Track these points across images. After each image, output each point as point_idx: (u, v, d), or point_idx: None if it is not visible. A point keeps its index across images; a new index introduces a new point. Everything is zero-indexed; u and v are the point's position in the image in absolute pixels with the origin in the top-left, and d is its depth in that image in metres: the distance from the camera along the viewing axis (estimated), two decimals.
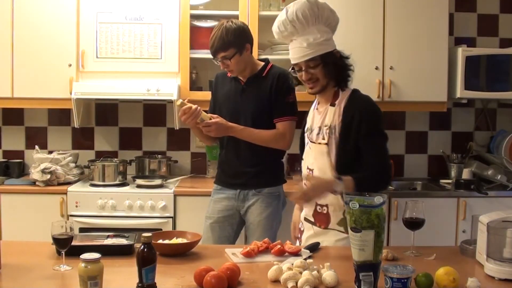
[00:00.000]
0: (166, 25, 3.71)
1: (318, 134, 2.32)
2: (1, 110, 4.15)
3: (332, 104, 2.30)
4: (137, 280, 1.67)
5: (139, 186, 3.63)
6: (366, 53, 3.67)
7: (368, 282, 1.63)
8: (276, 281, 1.78)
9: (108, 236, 2.18)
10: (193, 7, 3.74)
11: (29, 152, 4.01)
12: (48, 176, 3.54)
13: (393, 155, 4.00)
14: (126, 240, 2.14)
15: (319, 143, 2.29)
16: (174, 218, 3.49)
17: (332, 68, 2.26)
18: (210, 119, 2.80)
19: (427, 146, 4.20)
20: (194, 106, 2.73)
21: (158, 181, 3.65)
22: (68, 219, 3.42)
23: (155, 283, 1.68)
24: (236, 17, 3.56)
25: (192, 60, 3.76)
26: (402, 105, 3.81)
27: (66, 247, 1.91)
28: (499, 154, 3.94)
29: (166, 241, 2.13)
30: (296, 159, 2.56)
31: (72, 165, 3.80)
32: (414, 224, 2.13)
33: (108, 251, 1.94)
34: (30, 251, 2.12)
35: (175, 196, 3.51)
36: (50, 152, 3.83)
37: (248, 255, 2.05)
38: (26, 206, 3.51)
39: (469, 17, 4.14)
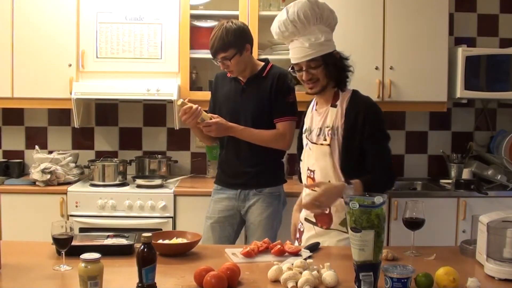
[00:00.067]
0: (166, 25, 3.71)
1: (318, 135, 2.31)
2: (1, 110, 4.15)
3: (333, 105, 2.30)
4: (137, 280, 1.67)
5: (139, 186, 3.63)
6: (366, 53, 3.67)
7: (368, 282, 1.63)
8: (276, 281, 1.78)
9: (108, 236, 2.18)
10: (193, 7, 3.74)
11: (29, 152, 4.01)
12: (48, 176, 3.54)
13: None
14: (126, 240, 2.14)
15: (321, 144, 2.28)
16: (174, 218, 3.49)
17: (333, 69, 2.26)
18: (211, 119, 2.80)
19: (427, 146, 4.20)
20: (194, 106, 2.73)
21: (158, 181, 3.65)
22: (68, 219, 3.42)
23: (155, 283, 1.68)
24: (236, 17, 3.56)
25: (192, 60, 3.76)
26: (402, 105, 3.81)
27: (66, 247, 1.91)
28: (499, 154, 3.94)
29: (166, 241, 2.12)
30: (296, 159, 2.56)
31: (72, 165, 3.80)
32: (414, 224, 2.13)
33: (108, 251, 1.94)
34: (30, 251, 2.12)
35: (175, 196, 3.51)
36: (50, 152, 3.83)
37: (248, 255, 2.04)
38: (26, 206, 3.51)
39: (469, 17, 4.14)
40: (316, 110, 2.39)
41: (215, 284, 1.68)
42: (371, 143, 2.25)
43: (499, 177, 3.71)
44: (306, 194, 2.38)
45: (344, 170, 2.25)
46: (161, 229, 3.28)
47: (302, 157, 2.42)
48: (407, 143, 4.19)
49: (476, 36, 4.13)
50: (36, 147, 3.76)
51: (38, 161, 3.62)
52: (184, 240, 2.16)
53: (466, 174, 3.75)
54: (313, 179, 2.32)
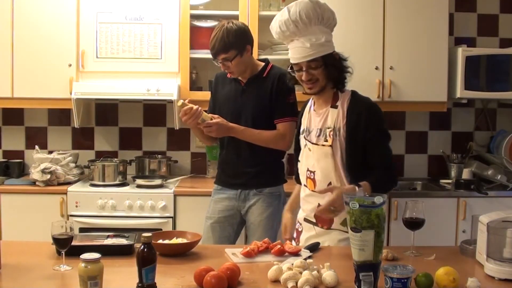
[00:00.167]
0: (166, 25, 3.71)
1: (318, 136, 2.31)
2: (1, 110, 4.15)
3: (333, 106, 2.30)
4: (137, 280, 1.67)
5: (139, 186, 3.63)
6: (366, 53, 3.67)
7: (368, 282, 1.63)
8: (276, 281, 1.78)
9: (108, 236, 2.18)
10: (193, 7, 3.74)
11: (29, 152, 4.01)
12: (48, 176, 3.54)
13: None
14: (126, 240, 2.14)
15: (323, 145, 2.28)
16: (174, 218, 3.49)
17: (333, 70, 2.27)
18: (211, 119, 2.79)
19: (427, 146, 4.20)
20: (195, 107, 2.73)
21: (158, 181, 3.65)
22: (68, 219, 3.42)
23: (155, 283, 1.68)
24: (236, 17, 3.56)
25: (192, 60, 3.76)
26: (402, 105, 3.81)
27: (66, 247, 1.91)
28: (499, 154, 3.94)
29: (166, 241, 2.12)
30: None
31: (72, 165, 3.80)
32: (414, 224, 2.13)
33: (108, 251, 1.94)
34: (30, 251, 2.12)
35: (175, 196, 3.51)
36: (50, 152, 3.84)
37: (248, 255, 2.04)
38: (26, 206, 3.51)
39: (469, 17, 4.14)
40: (314, 110, 2.38)
41: (215, 284, 1.68)
42: (374, 143, 2.26)
43: (499, 177, 3.71)
44: (306, 195, 2.37)
45: (349, 170, 2.25)
46: (161, 229, 3.29)
47: (300, 158, 2.41)
48: (407, 143, 4.19)
49: (476, 36, 4.14)
50: (36, 147, 3.76)
51: (38, 161, 3.62)
52: (184, 240, 2.16)
53: (466, 174, 3.75)
54: (313, 180, 2.31)
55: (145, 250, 1.67)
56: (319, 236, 2.31)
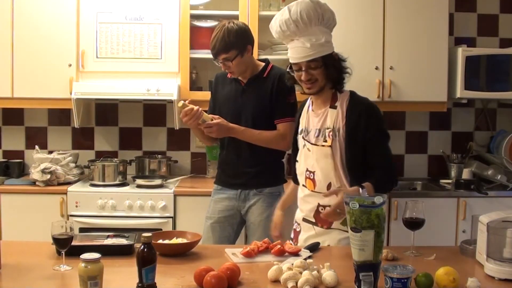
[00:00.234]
0: (166, 25, 3.71)
1: (317, 136, 2.31)
2: (1, 110, 4.15)
3: (333, 107, 2.31)
4: (137, 280, 1.67)
5: (139, 186, 3.63)
6: (366, 53, 3.67)
7: (368, 282, 1.63)
8: (276, 281, 1.78)
9: (108, 236, 2.18)
10: (193, 7, 3.74)
11: (29, 152, 4.01)
12: (48, 176, 3.54)
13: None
14: (126, 240, 2.14)
15: (322, 146, 2.28)
16: (174, 218, 3.49)
17: (332, 70, 2.27)
18: (212, 120, 2.80)
19: (427, 146, 4.20)
20: (195, 108, 2.73)
21: (158, 181, 3.65)
22: (68, 219, 3.42)
23: (155, 283, 1.68)
24: (236, 17, 3.56)
25: (192, 60, 3.76)
26: (402, 105, 3.81)
27: (66, 247, 1.91)
28: (499, 154, 3.94)
29: (166, 241, 2.12)
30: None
31: (72, 165, 3.80)
32: (414, 224, 2.14)
33: (108, 251, 1.94)
34: (30, 251, 2.12)
35: (175, 196, 3.51)
36: (50, 152, 3.83)
37: (248, 255, 2.04)
38: (26, 206, 3.51)
39: (469, 17, 4.14)
40: (312, 111, 2.38)
41: (215, 284, 1.68)
42: (374, 143, 2.27)
43: (499, 177, 3.71)
44: (305, 195, 2.37)
45: (349, 170, 2.26)
46: (161, 229, 3.28)
47: (298, 158, 2.41)
48: (407, 143, 4.19)
49: (476, 36, 4.14)
50: (36, 147, 3.76)
51: (38, 161, 3.62)
52: (184, 240, 2.16)
53: (466, 174, 3.75)
54: (313, 180, 2.32)
55: (145, 250, 1.67)
56: (319, 236, 2.31)
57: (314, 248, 2.18)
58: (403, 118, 4.18)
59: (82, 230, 3.41)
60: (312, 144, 2.32)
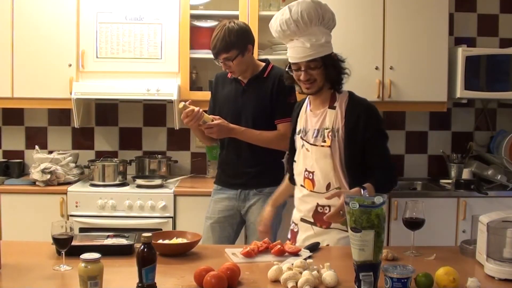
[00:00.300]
0: (166, 25, 3.71)
1: (316, 136, 2.32)
2: (1, 110, 4.15)
3: (332, 107, 2.31)
4: (137, 280, 1.67)
5: (139, 186, 3.63)
6: (366, 53, 3.67)
7: (368, 282, 1.64)
8: (276, 281, 1.78)
9: (108, 236, 2.18)
10: (193, 7, 3.74)
11: (29, 152, 4.01)
12: (48, 176, 3.54)
13: (393, 155, 3.97)
14: (126, 240, 2.14)
15: (322, 146, 2.29)
16: (174, 218, 3.49)
17: (331, 71, 2.28)
18: (212, 120, 2.80)
19: (427, 146, 4.20)
20: (196, 109, 2.73)
21: (158, 181, 3.65)
22: (68, 219, 3.42)
23: (155, 283, 1.68)
24: (236, 17, 3.56)
25: (192, 60, 3.76)
26: (402, 105, 3.81)
27: (66, 247, 1.91)
28: (499, 154, 3.94)
29: (166, 241, 2.13)
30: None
31: (72, 165, 3.80)
32: (414, 224, 2.14)
33: (108, 251, 1.94)
34: (30, 251, 2.12)
35: (175, 196, 3.51)
36: (50, 152, 3.83)
37: (248, 255, 2.05)
38: (26, 206, 3.51)
39: (469, 17, 4.14)
40: (311, 111, 2.39)
41: (215, 284, 1.68)
42: (373, 144, 2.28)
43: (499, 177, 3.71)
44: (303, 195, 2.37)
45: (348, 170, 2.26)
46: (161, 229, 3.28)
47: (296, 158, 2.42)
48: (407, 143, 4.19)
49: (476, 36, 4.13)
50: (36, 147, 3.76)
51: (38, 161, 3.62)
52: (184, 240, 2.16)
53: (466, 174, 3.75)
54: (312, 180, 2.32)
55: (145, 250, 1.67)
56: (318, 236, 2.31)
57: (314, 248, 2.18)
58: (403, 118, 4.18)
59: (82, 230, 3.41)
60: (311, 144, 2.32)
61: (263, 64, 2.96)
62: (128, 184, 3.70)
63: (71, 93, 3.62)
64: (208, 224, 2.98)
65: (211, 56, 2.92)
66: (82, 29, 3.69)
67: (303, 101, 2.48)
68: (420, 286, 1.72)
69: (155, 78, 3.68)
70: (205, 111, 2.83)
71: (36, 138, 4.12)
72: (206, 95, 3.38)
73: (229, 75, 2.97)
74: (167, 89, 3.61)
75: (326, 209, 2.28)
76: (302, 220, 2.39)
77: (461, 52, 3.71)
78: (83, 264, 1.62)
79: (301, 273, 1.76)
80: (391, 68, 3.70)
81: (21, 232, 3.44)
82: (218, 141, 3.06)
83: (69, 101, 3.63)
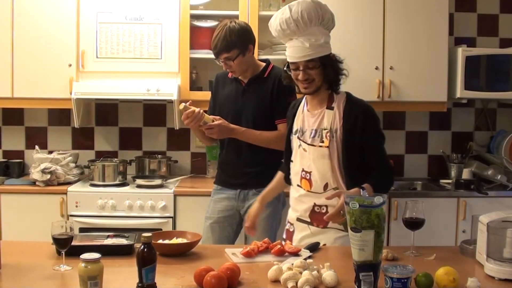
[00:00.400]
0: (166, 25, 3.71)
1: (314, 136, 2.32)
2: (1, 110, 4.15)
3: (330, 107, 2.32)
4: (137, 280, 1.67)
5: (139, 186, 3.63)
6: (366, 53, 3.67)
7: (368, 282, 1.64)
8: (276, 281, 1.78)
9: (108, 236, 2.18)
10: (193, 7, 3.74)
11: (29, 152, 4.01)
12: (48, 176, 3.54)
13: (393, 155, 4.05)
14: (126, 240, 2.14)
15: (320, 146, 2.29)
16: (174, 218, 3.49)
17: (329, 71, 2.29)
18: (213, 121, 2.80)
19: (427, 146, 4.20)
20: (197, 110, 2.73)
21: (158, 181, 3.65)
22: (68, 219, 3.42)
23: (155, 283, 1.68)
24: (236, 17, 3.56)
25: (192, 60, 3.76)
26: (402, 105, 3.81)
27: (66, 247, 1.91)
28: (499, 154, 3.94)
29: (166, 241, 2.13)
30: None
31: (72, 165, 3.80)
32: (414, 224, 2.14)
33: (108, 251, 1.94)
34: (30, 251, 2.12)
35: (175, 196, 3.51)
36: (50, 152, 3.83)
37: (248, 255, 2.05)
38: (26, 206, 3.51)
39: (469, 17, 4.14)
40: (308, 111, 2.39)
41: (215, 284, 1.68)
42: (371, 144, 2.29)
43: (499, 177, 3.71)
44: (300, 195, 2.37)
45: (346, 170, 2.27)
46: (161, 229, 3.29)
47: (293, 158, 2.42)
48: (407, 143, 4.19)
49: (476, 36, 4.13)
50: (36, 147, 3.76)
51: (38, 161, 3.62)
52: (184, 240, 2.16)
53: (466, 174, 3.75)
54: (309, 180, 2.32)
55: (145, 250, 1.67)
56: (315, 235, 2.31)
57: (314, 248, 2.18)
58: (403, 118, 4.18)
59: (82, 230, 3.41)
60: (308, 144, 2.32)
61: (264, 64, 2.96)
62: (128, 184, 3.70)
63: (71, 93, 3.62)
64: (208, 224, 2.98)
65: (211, 56, 2.92)
66: (82, 29, 3.69)
67: (299, 101, 2.49)
68: (420, 286, 1.72)
69: (155, 78, 3.68)
70: (205, 111, 2.83)
71: (36, 138, 4.12)
72: (206, 95, 3.38)
73: (229, 75, 2.97)
74: (167, 89, 3.61)
75: (323, 209, 2.28)
76: (299, 219, 2.39)
77: (461, 52, 3.71)
78: (83, 264, 1.62)
79: (301, 273, 1.76)
80: (391, 68, 3.70)
81: (21, 232, 3.44)
82: (218, 141, 3.06)
83: (69, 101, 3.63)
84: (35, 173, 3.55)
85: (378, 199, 1.67)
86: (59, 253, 1.96)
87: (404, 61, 3.70)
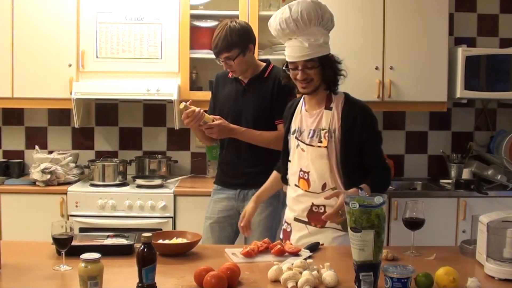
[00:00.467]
0: (166, 25, 3.71)
1: (312, 136, 2.32)
2: (1, 110, 4.15)
3: (328, 108, 2.32)
4: (137, 280, 1.67)
5: (139, 186, 3.63)
6: (366, 53, 3.67)
7: (368, 282, 1.64)
8: (276, 281, 1.78)
9: (108, 236, 2.18)
10: (193, 7, 3.74)
11: (29, 152, 4.01)
12: (48, 176, 3.54)
13: (393, 155, 4.06)
14: (126, 240, 2.14)
15: (318, 146, 2.29)
16: (174, 218, 3.49)
17: (328, 71, 2.29)
18: (213, 121, 2.80)
19: (427, 146, 4.20)
20: (197, 109, 2.73)
21: (158, 181, 3.65)
22: (68, 219, 3.42)
23: (155, 283, 1.68)
24: (236, 17, 3.56)
25: (192, 60, 3.76)
26: (402, 105, 3.82)
27: (66, 247, 1.91)
28: (499, 154, 3.94)
29: (166, 241, 2.13)
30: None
31: (72, 165, 3.80)
32: (414, 224, 2.14)
33: (108, 251, 1.94)
34: (30, 251, 2.12)
35: (175, 196, 3.51)
36: (50, 152, 3.84)
37: (248, 255, 2.05)
38: (26, 206, 3.51)
39: (469, 17, 4.14)
40: (306, 111, 2.39)
41: (215, 284, 1.68)
42: (370, 145, 2.30)
43: (499, 177, 3.71)
44: (298, 195, 2.37)
45: (345, 170, 2.27)
46: (161, 229, 3.29)
47: (291, 158, 2.42)
48: (407, 143, 4.19)
49: (476, 36, 4.14)
50: (36, 147, 3.76)
51: (38, 161, 3.62)
52: (184, 240, 2.16)
53: (466, 174, 3.75)
54: (307, 180, 2.32)
55: (145, 250, 1.67)
56: (312, 235, 2.31)
57: (314, 248, 2.18)
58: (403, 118, 4.18)
59: (82, 230, 3.41)
60: (306, 144, 2.33)
61: (264, 64, 2.96)
62: (128, 184, 3.70)
63: (71, 93, 3.62)
64: (208, 224, 2.98)
65: (211, 56, 2.92)
66: (82, 29, 3.69)
67: (296, 101, 2.49)
68: (420, 286, 1.72)
69: (155, 78, 3.68)
70: (206, 111, 2.83)
71: (36, 138, 4.12)
72: (206, 95, 3.38)
73: (229, 75, 2.97)
74: (167, 89, 3.61)
75: (321, 209, 2.29)
76: (296, 219, 2.39)
77: (461, 52, 3.71)
78: (83, 264, 1.62)
79: (301, 273, 1.76)
80: (391, 68, 3.70)
81: (21, 232, 3.44)
82: (218, 141, 3.06)
83: (69, 101, 3.63)
84: (35, 173, 3.55)
85: (378, 199, 1.67)
86: (59, 253, 1.96)
87: (404, 61, 3.71)
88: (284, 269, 1.79)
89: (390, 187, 3.72)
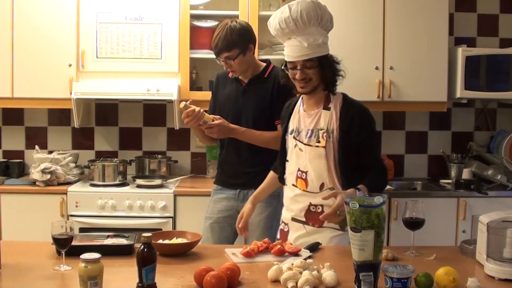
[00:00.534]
0: (166, 25, 3.71)
1: (310, 136, 2.33)
2: (1, 110, 4.15)
3: (326, 108, 2.33)
4: (137, 280, 1.67)
5: (139, 186, 3.63)
6: (366, 53, 3.67)
7: (368, 282, 1.64)
8: (276, 281, 1.78)
9: (108, 236, 2.18)
10: (193, 7, 3.74)
11: (29, 152, 4.01)
12: (48, 176, 3.54)
13: (393, 155, 4.06)
14: (126, 240, 2.14)
15: (316, 146, 2.30)
16: (174, 218, 3.49)
17: (327, 71, 2.29)
18: (213, 120, 2.80)
19: (427, 146, 4.20)
20: (197, 109, 2.73)
21: (158, 181, 3.65)
22: (68, 219, 3.42)
23: (155, 283, 1.68)
24: (236, 17, 3.56)
25: (192, 60, 3.76)
26: (402, 105, 3.82)
27: (66, 247, 1.91)
28: (499, 154, 3.94)
29: (166, 241, 2.13)
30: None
31: (72, 165, 3.80)
32: (414, 224, 2.14)
33: (108, 251, 1.94)
34: (30, 251, 2.12)
35: (175, 196, 3.51)
36: (50, 152, 3.84)
37: (248, 255, 2.05)
38: (26, 206, 3.51)
39: (469, 17, 4.14)
40: (304, 111, 2.39)
41: (215, 284, 1.68)
42: (367, 145, 2.31)
43: (499, 177, 3.71)
44: (295, 195, 2.37)
45: (342, 170, 2.28)
46: (161, 229, 3.29)
47: (288, 158, 2.42)
48: (407, 143, 4.19)
49: (476, 36, 4.14)
50: (36, 147, 3.76)
51: (38, 161, 3.62)
52: (184, 240, 2.16)
53: (466, 174, 3.76)
54: (305, 180, 2.33)
55: (145, 250, 1.67)
56: (310, 235, 2.32)
57: (314, 248, 2.18)
58: (403, 118, 4.18)
59: (82, 230, 3.41)
60: (304, 144, 2.33)
61: (264, 64, 2.96)
62: (128, 184, 3.71)
63: (71, 93, 3.62)
64: (208, 224, 2.98)
65: (211, 56, 2.91)
66: (82, 29, 3.69)
67: (294, 101, 2.50)
68: (420, 286, 1.72)
69: (155, 78, 3.68)
70: (206, 111, 2.83)
71: (36, 138, 4.12)
72: (206, 95, 3.38)
73: (230, 74, 2.97)
74: (167, 89, 3.61)
75: (318, 209, 2.29)
76: (293, 219, 2.39)
77: (461, 52, 3.71)
78: (83, 264, 1.62)
79: (301, 273, 1.76)
80: (391, 68, 3.70)
81: (21, 232, 3.44)
82: (218, 141, 3.06)
83: (69, 101, 3.63)
84: (35, 173, 3.55)
85: (378, 199, 1.67)
86: (59, 253, 1.96)
87: (404, 61, 3.71)
88: (284, 269, 1.79)
89: (390, 187, 3.73)
